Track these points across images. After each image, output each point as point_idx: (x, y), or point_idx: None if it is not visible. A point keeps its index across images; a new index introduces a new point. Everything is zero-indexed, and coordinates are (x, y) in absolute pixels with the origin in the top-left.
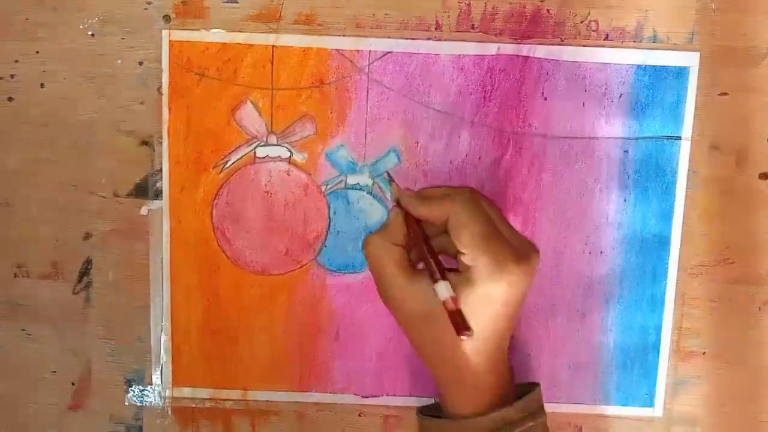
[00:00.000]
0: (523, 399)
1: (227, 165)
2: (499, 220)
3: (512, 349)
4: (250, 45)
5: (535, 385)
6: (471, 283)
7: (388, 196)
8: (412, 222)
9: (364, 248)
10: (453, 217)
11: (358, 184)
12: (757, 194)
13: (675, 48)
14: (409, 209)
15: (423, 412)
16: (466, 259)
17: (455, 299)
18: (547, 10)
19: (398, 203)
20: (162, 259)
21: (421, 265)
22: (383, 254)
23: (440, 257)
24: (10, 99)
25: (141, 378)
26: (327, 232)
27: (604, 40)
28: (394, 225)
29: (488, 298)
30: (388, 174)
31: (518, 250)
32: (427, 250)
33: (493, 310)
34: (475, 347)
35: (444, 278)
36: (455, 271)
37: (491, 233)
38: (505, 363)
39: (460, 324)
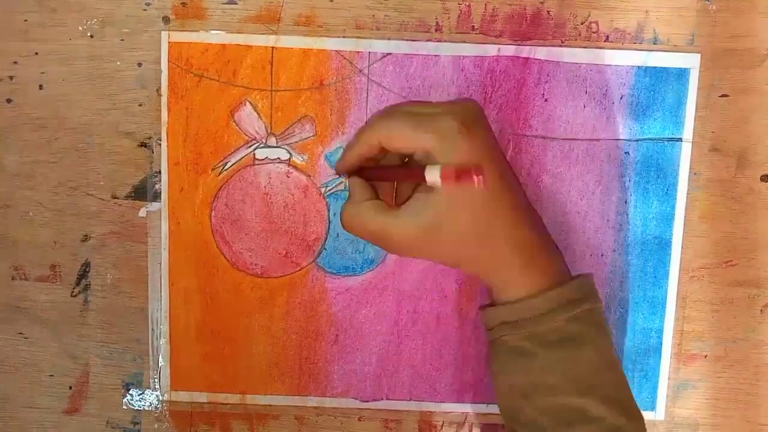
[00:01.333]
0: (576, 280)
1: (226, 167)
2: (416, 105)
3: None
4: (250, 46)
5: (588, 273)
6: (437, 163)
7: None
8: (368, 169)
9: (342, 224)
10: (378, 139)
11: None
12: (758, 196)
13: (676, 49)
14: (347, 164)
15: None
16: (418, 156)
17: (445, 165)
18: (548, 12)
19: (348, 174)
20: (160, 261)
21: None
22: (359, 215)
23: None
24: (8, 100)
25: (139, 382)
26: (327, 234)
27: (605, 41)
28: (355, 187)
29: (457, 160)
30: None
31: (452, 108)
32: (394, 168)
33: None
34: (479, 222)
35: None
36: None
37: (411, 117)
38: (538, 240)
39: (468, 173)
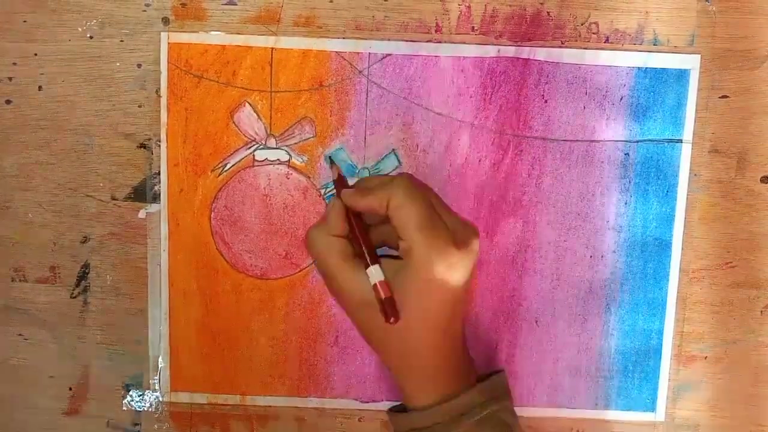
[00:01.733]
0: (484, 382)
1: (226, 168)
2: (438, 204)
3: (512, 354)
4: (249, 47)
5: (500, 371)
6: (409, 268)
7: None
8: (351, 211)
9: (306, 243)
10: (392, 203)
11: None
12: (758, 197)
13: (676, 50)
14: (350, 204)
15: (393, 409)
16: (405, 245)
17: (384, 284)
18: (548, 13)
19: (337, 191)
20: (160, 262)
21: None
22: (326, 248)
23: (384, 248)
24: (8, 102)
25: (139, 383)
26: None
27: (605, 42)
28: (334, 216)
29: (427, 282)
30: (330, 158)
31: (457, 234)
32: (362, 238)
33: (433, 294)
34: (417, 333)
35: (376, 263)
36: (397, 258)
37: (429, 217)
38: (459, 349)
39: (388, 310)
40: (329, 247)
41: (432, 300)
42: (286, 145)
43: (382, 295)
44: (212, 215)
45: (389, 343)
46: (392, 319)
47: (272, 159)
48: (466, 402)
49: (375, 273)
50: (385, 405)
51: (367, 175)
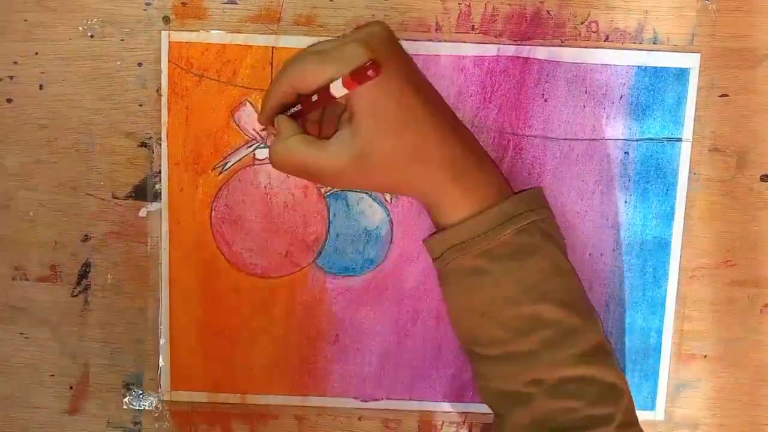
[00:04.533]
0: (522, 193)
1: (226, 166)
2: (323, 42)
3: None
4: (250, 46)
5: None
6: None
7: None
8: (290, 102)
9: (272, 162)
10: (293, 82)
11: None
12: (758, 196)
13: (675, 49)
14: (266, 113)
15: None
16: (335, 92)
17: (344, 75)
18: (548, 12)
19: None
20: (161, 261)
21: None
22: (287, 150)
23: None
24: (9, 100)
25: (139, 381)
26: (326, 234)
27: (605, 41)
28: (281, 125)
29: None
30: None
31: (349, 39)
32: (307, 100)
33: (381, 92)
34: (411, 149)
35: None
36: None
37: (316, 55)
38: (469, 154)
39: (363, 72)
40: (291, 147)
41: (386, 99)
42: None
43: (350, 76)
44: (213, 214)
45: (395, 172)
46: (374, 70)
47: None
48: (502, 213)
49: (335, 85)
50: (385, 404)
51: None
